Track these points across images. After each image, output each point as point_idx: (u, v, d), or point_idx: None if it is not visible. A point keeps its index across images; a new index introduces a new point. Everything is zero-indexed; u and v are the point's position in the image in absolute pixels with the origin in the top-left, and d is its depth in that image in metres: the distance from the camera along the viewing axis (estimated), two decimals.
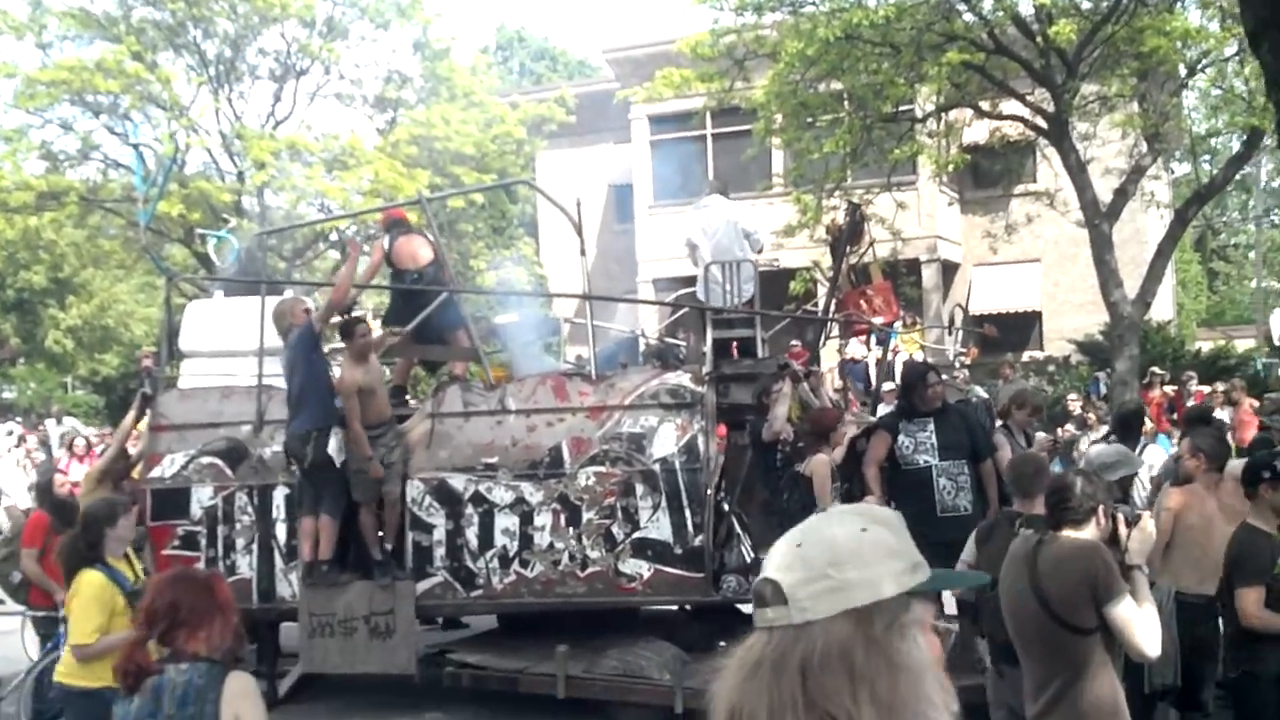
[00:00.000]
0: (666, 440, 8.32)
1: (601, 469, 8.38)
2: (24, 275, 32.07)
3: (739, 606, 8.23)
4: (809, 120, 17.97)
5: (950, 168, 18.74)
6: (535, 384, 8.82)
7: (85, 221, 26.60)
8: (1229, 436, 11.01)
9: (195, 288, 20.35)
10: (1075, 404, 16.98)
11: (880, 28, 15.49)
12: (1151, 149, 17.46)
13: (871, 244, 12.69)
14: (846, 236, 11.35)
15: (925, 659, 1.58)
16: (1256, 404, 15.07)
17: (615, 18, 57.44)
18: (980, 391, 14.40)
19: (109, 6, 25.54)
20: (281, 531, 8.97)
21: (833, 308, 11.65)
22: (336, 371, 9.01)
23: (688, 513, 8.20)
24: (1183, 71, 17.50)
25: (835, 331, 13.05)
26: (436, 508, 8.63)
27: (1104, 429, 12.94)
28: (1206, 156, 20.23)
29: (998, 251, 22.08)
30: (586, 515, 8.36)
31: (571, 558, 8.37)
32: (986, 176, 24.41)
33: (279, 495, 9.01)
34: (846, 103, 17.91)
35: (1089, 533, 4.31)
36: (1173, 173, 27.29)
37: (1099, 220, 16.73)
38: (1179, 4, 16.74)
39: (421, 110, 27.87)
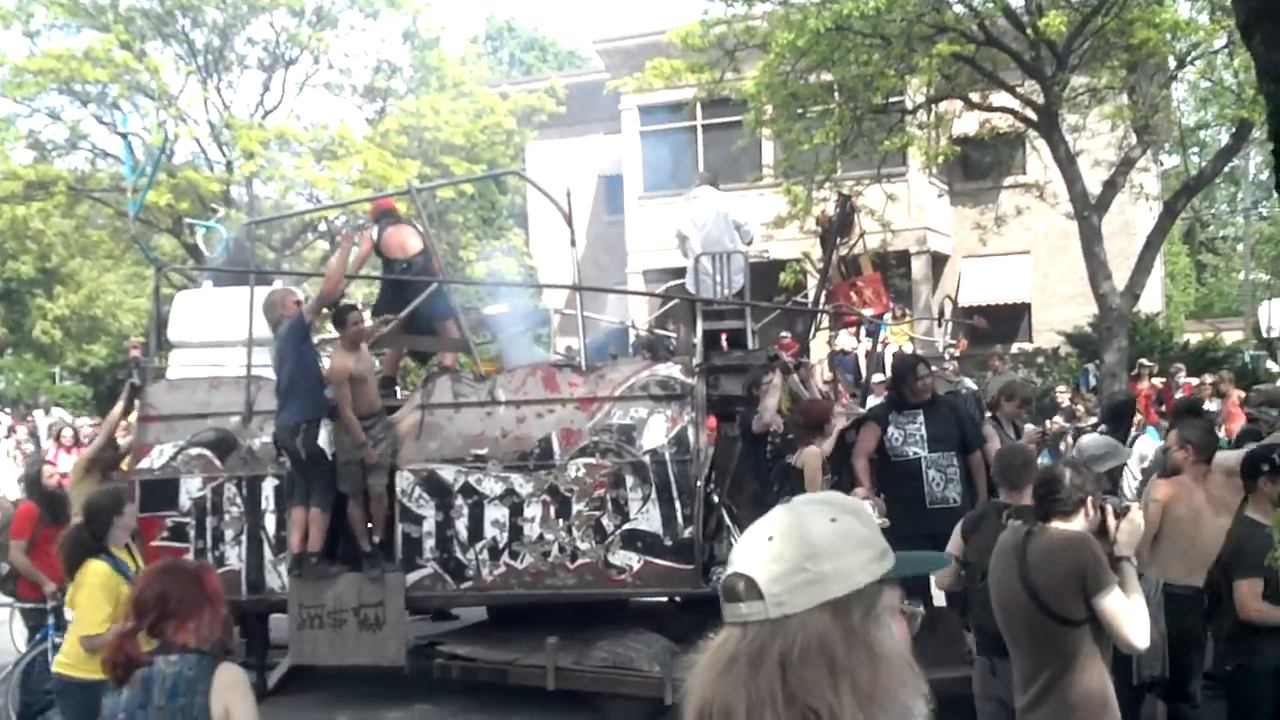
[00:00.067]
0: (656, 432, 8.32)
1: (591, 460, 8.38)
2: (11, 265, 31.96)
3: None
4: (799, 111, 17.97)
5: (940, 159, 18.75)
6: (525, 375, 8.81)
7: (73, 211, 26.48)
8: (1221, 429, 11.07)
9: (184, 278, 20.26)
10: (1064, 396, 17.03)
11: (870, 19, 15.47)
12: (1141, 141, 17.49)
13: (861, 235, 12.70)
14: (836, 228, 11.37)
15: (900, 646, 1.59)
16: (1242, 395, 15.13)
17: (605, 8, 57.34)
18: (969, 383, 14.41)
19: None
20: (270, 523, 8.96)
21: (823, 299, 11.68)
22: (326, 363, 9.00)
23: (678, 504, 8.21)
24: (1172, 64, 17.53)
25: (825, 323, 13.08)
26: (426, 499, 8.62)
27: (1092, 420, 13.00)
28: (1195, 149, 20.29)
29: (987, 243, 22.14)
30: (576, 507, 8.36)
31: (561, 549, 8.37)
32: (976, 168, 24.41)
33: (268, 486, 9.00)
34: (837, 94, 17.91)
35: (1078, 524, 4.32)
36: (1162, 165, 27.35)
37: (1088, 212, 16.77)
38: None
39: (411, 100, 27.79)
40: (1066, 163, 16.71)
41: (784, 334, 14.72)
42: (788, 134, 18.03)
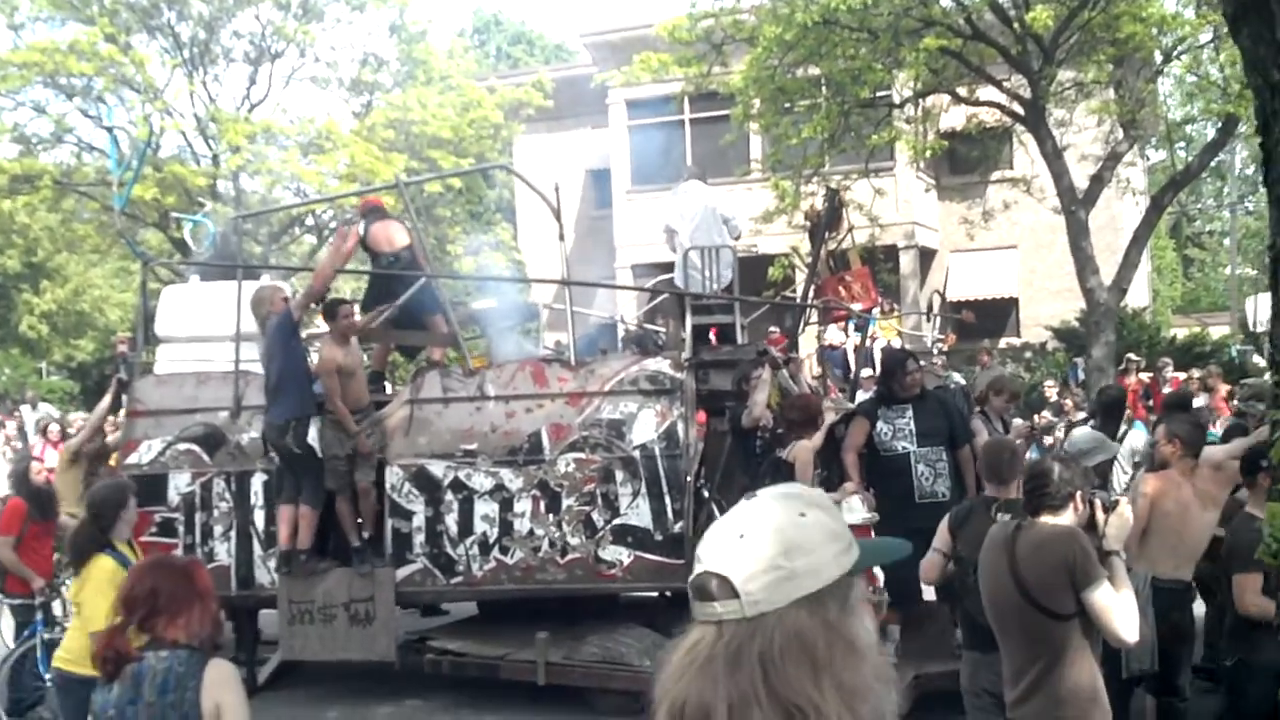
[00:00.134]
0: (646, 426, 8.32)
1: (581, 455, 8.38)
2: None
3: None
4: (787, 105, 17.96)
5: (927, 154, 18.79)
6: (514, 370, 8.80)
7: (59, 205, 26.31)
8: (1214, 424, 11.10)
9: (171, 272, 20.19)
10: (1052, 390, 17.08)
11: (858, 13, 15.48)
12: (1127, 135, 17.54)
13: (850, 230, 12.71)
14: (825, 222, 11.38)
15: (873, 637, 1.59)
16: (1227, 390, 15.20)
17: (592, 2, 57.21)
18: (958, 378, 14.45)
19: None
20: (260, 518, 8.95)
21: (811, 294, 11.68)
22: (315, 359, 8.98)
23: (667, 499, 8.22)
24: (1158, 58, 17.60)
25: (814, 318, 13.08)
26: (416, 494, 8.62)
27: (1081, 415, 13.03)
28: (1182, 143, 20.33)
29: (975, 238, 22.15)
30: (566, 501, 8.37)
31: (551, 544, 8.37)
32: (963, 163, 24.44)
33: (257, 481, 9.00)
34: (824, 88, 17.90)
35: (1067, 519, 4.33)
36: (1148, 159, 27.45)
37: (1075, 207, 16.81)
38: None
39: (398, 94, 27.67)
40: (1053, 157, 16.75)
41: (773, 329, 14.74)
42: (775, 128, 18.02)
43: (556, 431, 8.46)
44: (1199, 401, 13.73)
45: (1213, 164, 23.10)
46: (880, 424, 8.11)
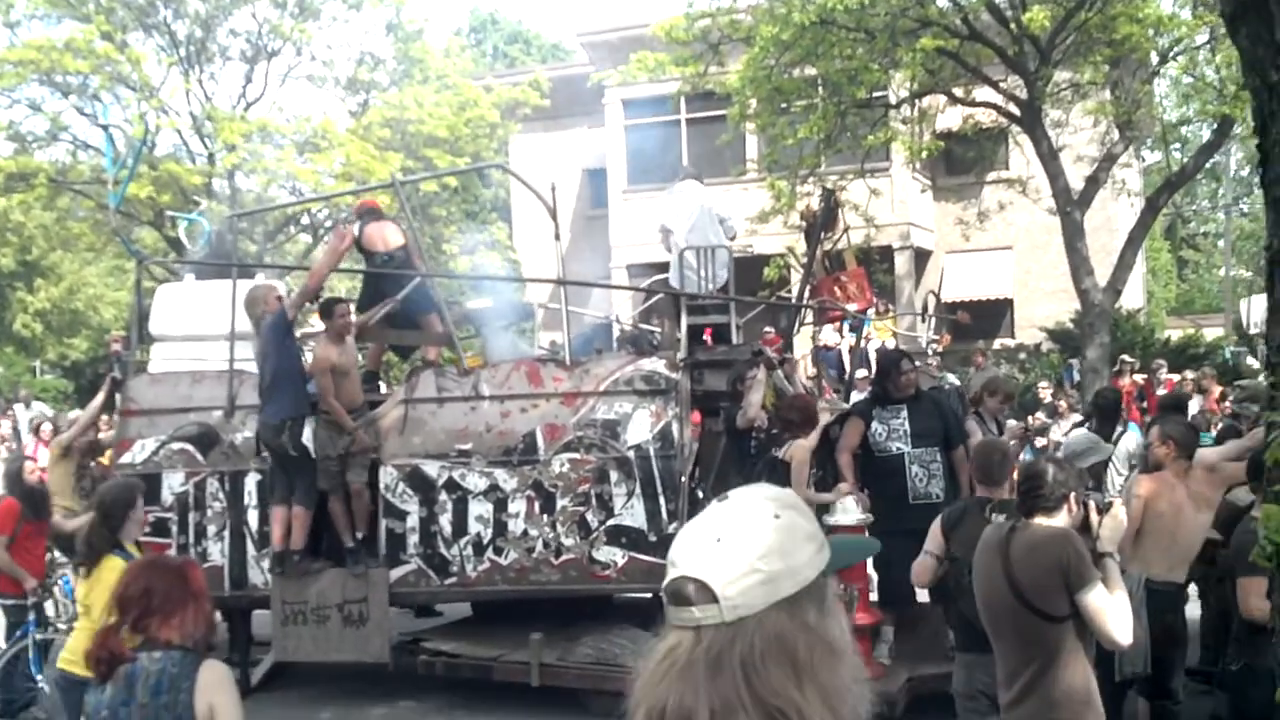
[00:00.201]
0: (641, 427, 8.32)
1: (576, 455, 8.37)
2: None
3: None
4: (783, 106, 17.98)
5: (923, 154, 18.80)
6: (509, 370, 8.79)
7: (54, 204, 26.29)
8: (1213, 426, 11.11)
9: (166, 271, 20.17)
10: (1046, 391, 17.10)
11: (854, 13, 15.50)
12: (1123, 137, 17.57)
13: (845, 230, 12.73)
14: (821, 222, 11.39)
15: (848, 637, 1.59)
16: (1219, 391, 15.23)
17: (588, 1, 57.22)
18: (952, 378, 14.46)
19: None
20: (253, 518, 8.93)
21: (807, 294, 11.68)
22: (309, 358, 8.96)
23: (662, 500, 8.21)
24: (1154, 59, 17.62)
25: (809, 318, 13.09)
26: (410, 494, 8.61)
27: (1075, 416, 13.04)
28: (1177, 145, 20.34)
29: (970, 239, 22.17)
30: (561, 502, 8.36)
31: (546, 545, 8.36)
32: (959, 163, 24.45)
33: (251, 481, 8.97)
34: (820, 88, 17.91)
35: (1061, 520, 4.33)
36: (1144, 160, 27.47)
37: (1070, 208, 16.83)
38: None
39: (394, 93, 27.68)
40: (1049, 158, 16.77)
41: (768, 329, 14.74)
42: (772, 128, 18.04)
43: (551, 432, 8.45)
44: (1194, 404, 13.76)
45: (1208, 165, 23.15)
46: (875, 424, 8.11)
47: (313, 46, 27.14)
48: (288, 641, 8.63)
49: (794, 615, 1.52)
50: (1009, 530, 4.41)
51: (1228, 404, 13.39)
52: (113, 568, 5.47)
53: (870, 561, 7.94)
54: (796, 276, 14.67)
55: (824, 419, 8.27)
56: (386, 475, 8.62)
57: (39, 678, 8.20)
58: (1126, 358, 17.72)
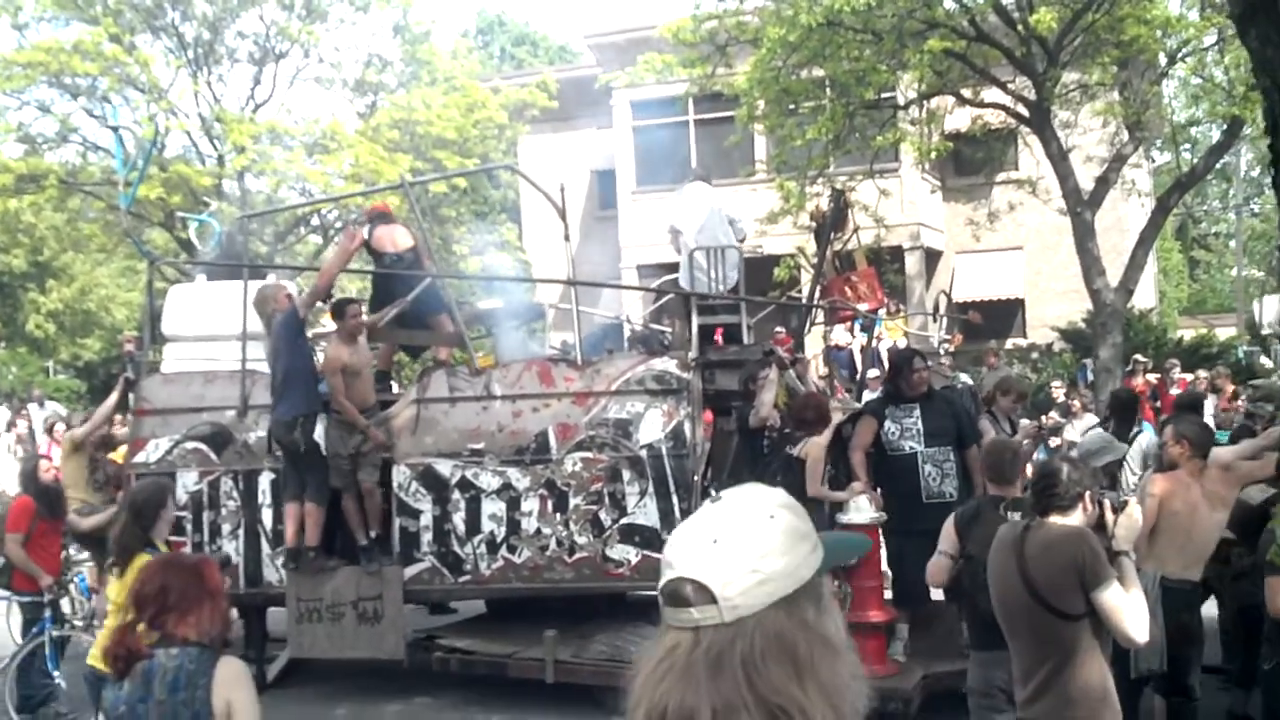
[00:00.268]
0: (653, 426, 8.34)
1: (588, 454, 8.40)
2: (3, 259, 31.77)
3: None
4: (791, 107, 17.96)
5: (932, 155, 18.76)
6: (521, 369, 8.81)
7: (65, 205, 26.36)
8: (1232, 424, 11.10)
9: (177, 271, 20.22)
10: (1059, 391, 17.08)
11: (862, 14, 15.47)
12: (1133, 137, 17.53)
13: (855, 231, 12.73)
14: (830, 222, 11.40)
15: (844, 634, 1.59)
16: (1231, 390, 15.21)
17: (596, 2, 57.27)
18: (965, 378, 14.45)
19: None
20: (267, 516, 8.98)
21: (817, 294, 11.68)
22: (321, 358, 8.99)
23: (674, 498, 8.22)
24: (1163, 60, 17.57)
25: (820, 318, 13.09)
26: (423, 493, 8.63)
27: (1088, 416, 13.03)
28: (1187, 145, 20.32)
29: (980, 239, 22.14)
30: (574, 501, 8.38)
31: (559, 543, 8.39)
32: (968, 164, 24.42)
33: (264, 480, 9.02)
34: (828, 89, 17.89)
35: (1076, 519, 4.33)
36: (1154, 161, 27.42)
37: (1081, 208, 16.80)
38: None
39: (402, 94, 27.69)
40: (1059, 159, 16.74)
41: (779, 329, 14.74)
42: (780, 129, 18.03)
43: (563, 431, 8.47)
44: (1208, 403, 13.75)
45: (1218, 166, 23.09)
46: (888, 423, 8.09)
47: (320, 48, 27.17)
48: (303, 638, 8.67)
49: (792, 614, 1.52)
50: (1024, 529, 4.41)
51: (1241, 403, 13.38)
52: None
53: (885, 559, 7.95)
54: (806, 277, 14.65)
55: (836, 418, 8.28)
56: (400, 474, 8.65)
57: (55, 673, 8.25)
58: (1140, 357, 17.70)
